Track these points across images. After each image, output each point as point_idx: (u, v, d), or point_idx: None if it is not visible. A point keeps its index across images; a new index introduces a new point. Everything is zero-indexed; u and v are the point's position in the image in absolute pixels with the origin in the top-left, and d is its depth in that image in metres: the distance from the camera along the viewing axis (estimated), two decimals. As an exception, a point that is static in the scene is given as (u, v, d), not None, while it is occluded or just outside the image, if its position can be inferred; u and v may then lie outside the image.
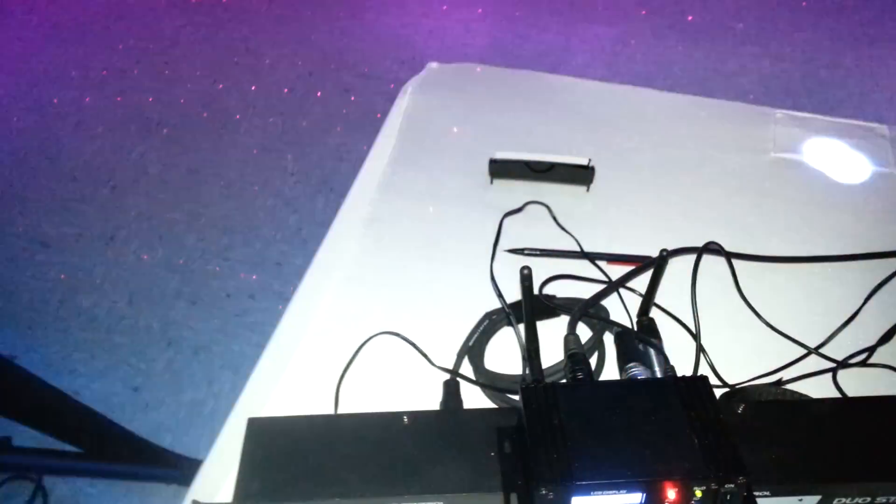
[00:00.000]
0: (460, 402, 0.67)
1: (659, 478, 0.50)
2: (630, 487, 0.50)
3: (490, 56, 2.45)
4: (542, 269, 0.79)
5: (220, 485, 0.62)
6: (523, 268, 0.61)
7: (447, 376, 0.70)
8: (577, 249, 0.83)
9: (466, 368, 0.71)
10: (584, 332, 0.71)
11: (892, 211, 0.90)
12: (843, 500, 0.57)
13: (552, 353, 0.68)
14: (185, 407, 1.55)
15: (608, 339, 0.73)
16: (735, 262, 0.80)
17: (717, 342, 0.72)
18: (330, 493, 0.55)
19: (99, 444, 1.38)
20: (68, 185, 2.04)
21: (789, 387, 0.69)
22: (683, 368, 0.67)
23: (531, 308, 0.64)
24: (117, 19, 2.64)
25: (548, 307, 0.75)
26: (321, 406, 0.68)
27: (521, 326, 0.67)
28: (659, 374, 0.64)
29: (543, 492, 0.50)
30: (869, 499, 0.57)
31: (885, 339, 0.73)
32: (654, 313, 0.74)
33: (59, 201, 2.00)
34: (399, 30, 2.57)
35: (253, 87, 2.35)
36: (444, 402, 0.66)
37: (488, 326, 0.74)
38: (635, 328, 0.72)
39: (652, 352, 0.67)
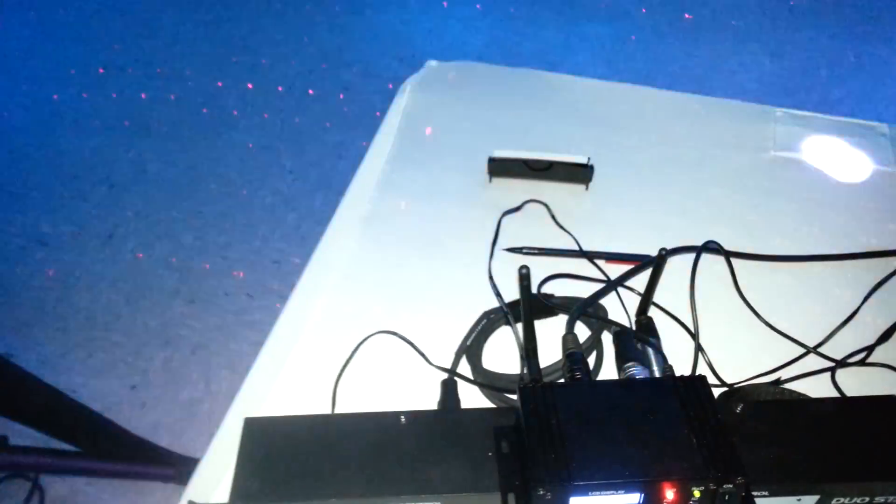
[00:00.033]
0: (458, 401, 0.66)
1: (657, 478, 0.50)
2: (628, 488, 0.50)
3: (489, 54, 2.45)
4: (540, 267, 0.78)
5: (217, 485, 0.62)
6: (521, 267, 0.61)
7: (445, 376, 0.69)
8: (576, 248, 0.82)
9: (464, 368, 0.71)
10: (582, 332, 0.71)
11: (892, 210, 0.89)
12: (842, 499, 0.57)
13: (550, 352, 0.68)
14: (182, 406, 1.55)
15: (606, 338, 0.72)
16: (734, 261, 0.80)
17: (715, 341, 0.71)
18: (327, 493, 0.54)
19: (96, 442, 1.37)
20: (66, 183, 2.04)
21: (788, 386, 0.68)
22: (682, 368, 0.66)
23: (529, 307, 0.64)
24: (115, 17, 2.64)
25: (546, 306, 0.75)
26: (318, 405, 0.68)
27: (520, 326, 0.66)
28: (657, 374, 0.64)
29: (541, 492, 0.49)
30: (867, 498, 0.57)
31: (883, 338, 0.73)
32: (653, 312, 0.73)
33: (56, 199, 1.99)
34: (398, 27, 2.57)
35: (251, 85, 2.35)
36: (442, 402, 0.66)
37: (486, 325, 0.74)
38: (634, 327, 0.72)
39: (650, 351, 0.67)
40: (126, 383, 1.59)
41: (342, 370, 0.71)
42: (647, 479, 0.50)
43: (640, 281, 0.74)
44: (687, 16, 2.57)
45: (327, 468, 0.56)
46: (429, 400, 0.67)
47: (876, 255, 0.82)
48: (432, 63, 1.12)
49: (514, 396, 0.65)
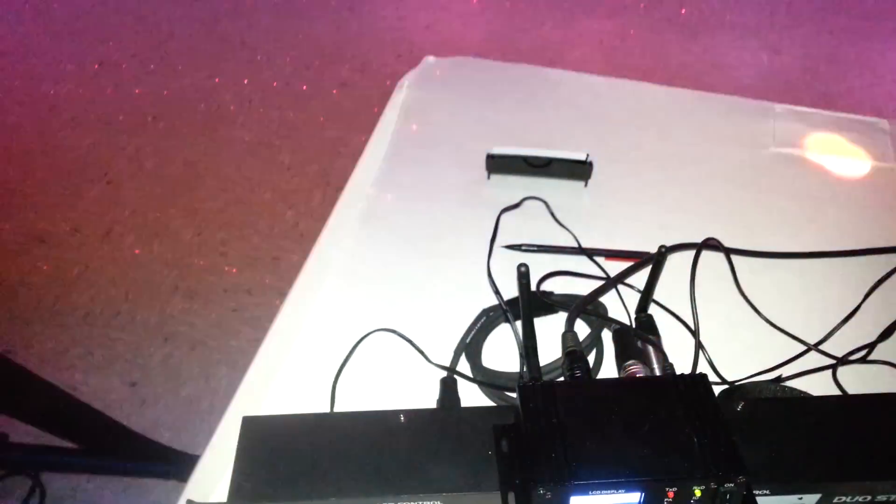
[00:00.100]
0: (457, 399, 0.66)
1: (657, 477, 0.50)
2: (628, 487, 0.50)
3: (487, 50, 2.44)
4: (539, 265, 0.78)
5: (216, 484, 0.61)
6: (520, 265, 0.61)
7: (444, 374, 0.69)
8: (575, 245, 0.82)
9: (464, 366, 0.71)
10: (582, 329, 0.71)
11: (893, 206, 0.89)
12: (844, 498, 0.56)
13: (550, 350, 0.67)
14: (182, 402, 1.55)
15: (606, 336, 0.72)
16: (734, 257, 0.79)
17: (716, 339, 0.71)
18: (326, 492, 0.54)
19: (96, 440, 1.37)
20: (64, 180, 2.03)
21: (789, 384, 0.68)
22: (682, 365, 0.66)
23: (528, 305, 0.64)
24: (112, 12, 2.63)
25: (545, 304, 0.75)
26: (317, 404, 0.68)
27: (519, 323, 0.66)
28: (657, 372, 0.64)
29: (541, 491, 0.49)
30: (869, 497, 0.56)
31: (885, 335, 0.73)
32: (653, 310, 0.73)
33: (54, 196, 1.99)
34: (396, 23, 2.56)
35: (249, 81, 2.34)
36: (441, 400, 0.66)
37: (486, 323, 0.74)
38: (634, 325, 0.72)
39: (650, 349, 0.66)
40: (125, 380, 1.59)
41: (341, 368, 0.71)
42: (647, 478, 0.50)
43: (640, 278, 0.74)
44: (685, 11, 2.57)
45: (326, 467, 0.55)
46: (428, 398, 0.67)
47: (877, 251, 0.82)
48: (430, 59, 1.11)
49: (514, 395, 0.64)
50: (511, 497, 0.53)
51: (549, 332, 0.69)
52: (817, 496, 0.56)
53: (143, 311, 1.72)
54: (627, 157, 0.96)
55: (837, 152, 0.96)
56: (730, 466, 0.50)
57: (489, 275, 0.78)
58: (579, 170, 0.90)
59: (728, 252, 0.79)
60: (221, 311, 1.71)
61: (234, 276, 1.79)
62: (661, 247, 0.66)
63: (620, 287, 0.77)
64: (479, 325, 0.73)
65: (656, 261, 0.67)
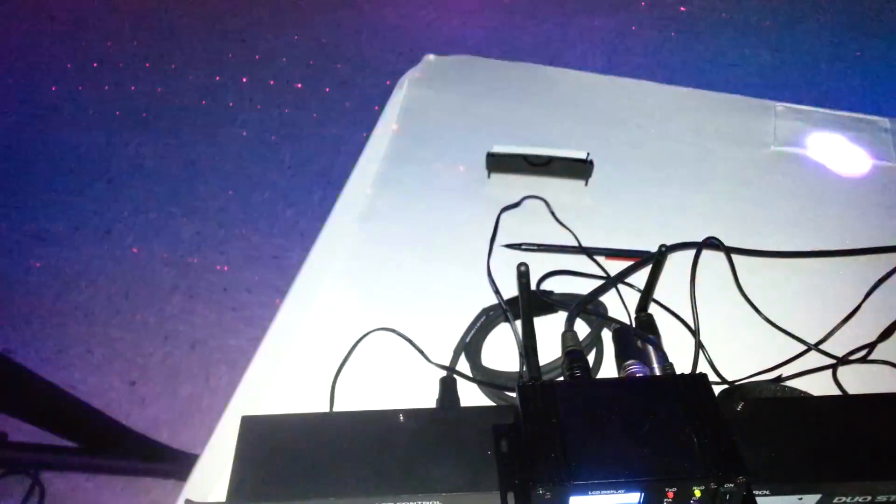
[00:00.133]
0: (457, 399, 0.66)
1: (657, 477, 0.50)
2: (628, 487, 0.50)
3: (488, 48, 2.44)
4: (539, 264, 0.78)
5: (215, 484, 0.61)
6: (520, 264, 0.61)
7: (444, 373, 0.69)
8: (576, 245, 0.82)
9: (463, 365, 0.71)
10: (582, 329, 0.70)
11: (894, 205, 0.89)
12: (844, 498, 0.56)
13: (550, 349, 0.67)
14: (181, 401, 1.54)
15: (606, 335, 0.72)
16: (734, 257, 0.79)
17: (716, 338, 0.71)
18: (325, 492, 0.54)
19: (95, 439, 1.37)
20: (64, 178, 2.03)
21: (789, 384, 0.68)
22: (682, 365, 0.66)
23: (528, 304, 0.64)
24: (112, 11, 2.62)
25: (545, 303, 0.75)
26: (316, 403, 0.68)
27: (519, 323, 0.66)
28: (657, 372, 0.64)
29: (540, 491, 0.49)
30: (869, 497, 0.56)
31: (885, 335, 0.73)
32: (653, 309, 0.73)
33: (54, 194, 1.99)
34: (396, 21, 2.56)
35: (249, 80, 2.34)
36: (441, 400, 0.66)
37: (485, 323, 0.73)
38: (634, 324, 0.71)
39: (650, 348, 0.66)
40: (125, 379, 1.59)
41: (340, 367, 0.71)
42: (647, 479, 0.49)
43: (640, 277, 0.74)
44: (686, 9, 2.56)
45: (325, 467, 0.55)
46: (427, 397, 0.67)
47: (878, 251, 0.82)
48: (430, 57, 1.11)
49: (514, 394, 0.64)
50: (510, 497, 0.53)
51: (549, 331, 0.69)
52: (817, 496, 0.56)
53: (143, 309, 1.72)
54: (628, 155, 0.95)
55: (838, 151, 0.96)
56: (730, 466, 0.50)
57: (489, 274, 0.78)
58: (580, 168, 0.89)
59: (728, 251, 0.79)
60: (221, 310, 1.71)
61: (234, 275, 1.79)
62: (662, 246, 0.66)
63: (620, 286, 0.77)
64: (478, 324, 0.73)
65: (656, 260, 0.67)
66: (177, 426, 1.50)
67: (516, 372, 0.68)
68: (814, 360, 0.71)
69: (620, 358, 0.65)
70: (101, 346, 1.64)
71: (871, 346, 0.72)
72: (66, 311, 1.71)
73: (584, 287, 0.76)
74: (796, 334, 0.73)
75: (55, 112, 2.24)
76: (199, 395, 1.55)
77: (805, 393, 0.66)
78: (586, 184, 0.91)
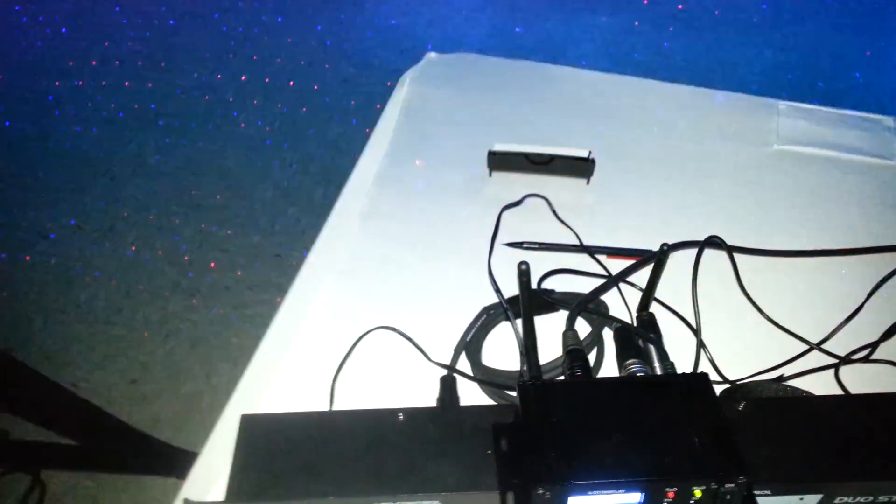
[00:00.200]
0: (457, 398, 0.66)
1: (657, 477, 0.49)
2: (628, 487, 0.49)
3: (490, 46, 2.44)
4: (541, 263, 0.78)
5: (214, 482, 0.61)
6: (521, 263, 0.60)
7: (444, 372, 0.69)
8: (577, 243, 0.82)
9: (464, 364, 0.71)
10: (583, 328, 0.70)
11: (897, 204, 0.88)
12: (845, 498, 0.56)
13: (551, 348, 0.67)
14: (183, 400, 1.54)
15: (607, 334, 0.72)
16: (737, 256, 0.79)
17: (717, 338, 0.71)
18: (324, 491, 0.54)
19: (96, 437, 1.37)
20: (66, 176, 2.03)
21: (791, 383, 0.68)
22: (684, 364, 0.66)
23: (529, 303, 0.63)
24: (114, 8, 2.62)
25: (546, 302, 0.74)
26: (316, 402, 0.67)
27: (520, 322, 0.66)
28: (659, 371, 0.63)
29: (540, 491, 0.49)
30: (871, 497, 0.56)
31: (888, 334, 0.72)
32: (655, 308, 0.73)
33: (56, 192, 1.99)
34: (398, 19, 2.55)
35: (251, 78, 2.34)
36: (441, 398, 0.66)
37: (486, 321, 0.73)
38: (635, 323, 0.71)
39: (652, 348, 0.66)
40: (126, 377, 1.59)
41: (340, 366, 0.71)
42: (647, 479, 0.49)
43: (642, 276, 0.74)
44: (689, 7, 2.56)
45: (324, 466, 0.55)
46: (428, 396, 0.66)
47: (880, 250, 0.81)
48: (431, 55, 1.11)
49: (514, 393, 0.64)
50: (510, 497, 0.53)
51: (550, 330, 0.68)
52: (819, 497, 0.55)
53: (145, 307, 1.72)
54: (630, 154, 0.95)
55: (841, 149, 0.95)
56: (730, 466, 0.50)
57: (490, 273, 0.78)
58: (581, 167, 0.89)
59: (730, 250, 0.78)
60: (223, 309, 1.71)
61: (236, 274, 1.79)
62: (663, 245, 0.66)
63: (622, 285, 0.77)
64: (479, 323, 0.73)
65: (658, 259, 0.67)
66: (178, 424, 1.50)
67: (517, 371, 0.67)
68: (816, 359, 0.71)
69: (621, 357, 0.65)
70: (102, 344, 1.64)
71: (873, 346, 0.71)
72: (68, 309, 1.71)
73: (585, 286, 0.75)
74: (798, 333, 0.73)
75: (57, 109, 2.24)
76: (201, 393, 1.55)
77: (807, 393, 0.65)
78: (588, 182, 0.90)
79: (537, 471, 0.49)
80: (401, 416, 0.58)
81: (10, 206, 1.95)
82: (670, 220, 0.86)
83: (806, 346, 0.72)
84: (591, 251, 0.81)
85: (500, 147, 0.90)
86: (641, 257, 0.78)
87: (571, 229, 0.83)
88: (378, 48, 2.43)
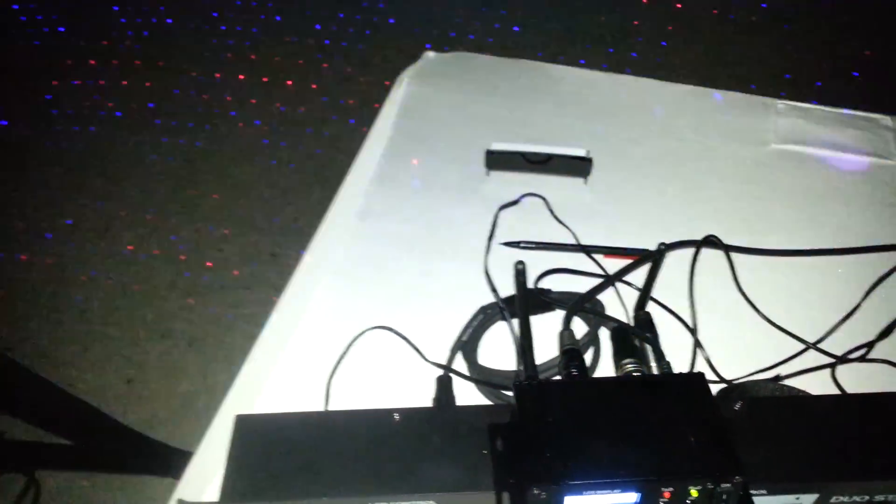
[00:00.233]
0: (453, 398, 0.65)
1: (653, 477, 0.49)
2: (624, 487, 0.49)
3: (489, 44, 2.43)
4: (538, 262, 0.78)
5: (208, 483, 0.61)
6: (517, 262, 0.60)
7: (440, 372, 0.69)
8: (574, 243, 0.82)
9: (460, 364, 0.70)
10: (579, 328, 0.70)
11: (894, 203, 0.88)
12: (842, 498, 0.56)
13: (547, 348, 0.67)
14: (179, 399, 1.54)
15: (604, 334, 0.72)
16: (734, 255, 0.79)
17: (714, 337, 0.71)
18: (319, 491, 0.54)
19: (92, 437, 1.37)
20: (62, 175, 2.03)
21: (787, 383, 0.68)
22: (680, 364, 0.66)
23: (526, 303, 0.63)
24: (112, 7, 2.62)
25: (543, 301, 0.74)
26: (312, 402, 0.67)
27: (516, 321, 0.65)
28: (655, 371, 0.63)
29: (536, 491, 0.49)
30: (867, 497, 0.56)
31: (884, 333, 0.72)
32: (651, 308, 0.72)
33: (52, 191, 1.98)
34: (396, 18, 2.55)
35: (249, 77, 2.34)
36: (437, 398, 0.65)
37: (483, 321, 0.73)
38: (632, 323, 0.71)
39: (648, 348, 0.66)
40: (122, 377, 1.58)
41: (336, 366, 0.70)
42: (643, 479, 0.49)
43: (639, 276, 0.73)
44: (688, 6, 2.56)
45: (320, 466, 0.55)
46: (424, 396, 0.66)
47: (877, 249, 0.81)
48: (429, 54, 1.10)
49: (510, 393, 0.64)
50: (506, 497, 0.53)
51: (547, 330, 0.68)
52: (815, 496, 0.55)
53: (141, 307, 1.71)
54: (628, 153, 0.95)
55: (839, 149, 0.95)
56: (727, 466, 0.49)
57: (486, 272, 0.77)
58: (579, 166, 0.89)
59: (728, 249, 0.78)
60: (219, 308, 1.71)
61: (233, 273, 1.78)
62: (661, 244, 0.66)
63: (619, 285, 0.76)
64: (475, 322, 0.73)
65: (655, 258, 0.67)
66: (174, 424, 1.49)
67: (513, 371, 0.67)
68: (812, 358, 0.71)
69: (618, 357, 0.65)
70: (98, 344, 1.64)
71: (870, 345, 0.71)
72: (64, 309, 1.71)
73: (582, 285, 0.75)
74: (795, 333, 0.73)
75: (54, 108, 2.24)
76: (197, 392, 1.55)
77: (803, 392, 0.65)
78: (585, 182, 0.90)
79: (533, 471, 0.49)
80: (397, 416, 0.58)
81: (6, 205, 1.94)
82: (667, 219, 0.86)
83: (803, 346, 0.71)
84: (588, 251, 0.81)
85: (497, 146, 0.90)
86: (638, 257, 0.78)
87: (569, 228, 0.83)
88: (376, 47, 2.42)
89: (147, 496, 1.40)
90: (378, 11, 2.58)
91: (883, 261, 0.79)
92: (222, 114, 2.21)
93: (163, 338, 1.65)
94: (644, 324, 0.69)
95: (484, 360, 0.70)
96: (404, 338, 0.72)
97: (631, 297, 0.74)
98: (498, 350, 0.72)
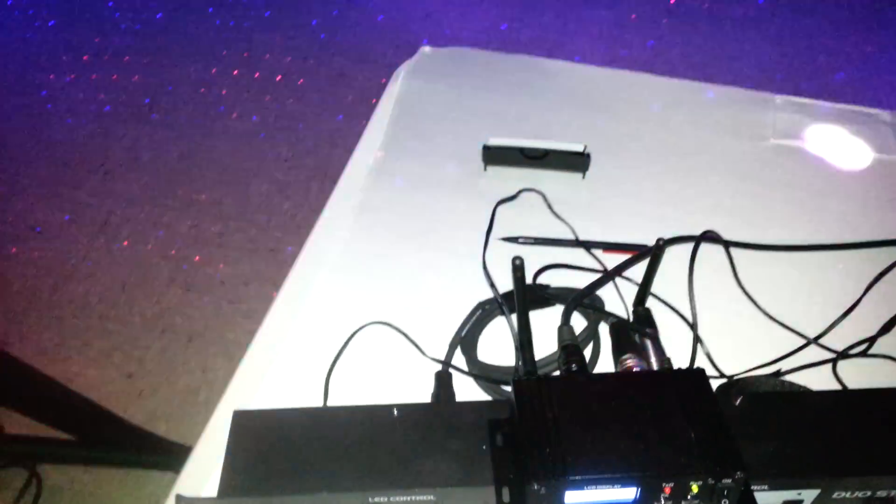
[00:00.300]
0: (452, 393, 0.65)
1: (654, 472, 0.49)
2: (624, 482, 0.49)
3: (486, 40, 2.43)
4: (536, 257, 0.77)
5: (207, 478, 0.61)
6: (515, 258, 0.60)
7: (439, 367, 0.68)
8: (572, 238, 0.81)
9: (459, 359, 0.70)
10: (578, 323, 0.70)
11: (894, 198, 0.88)
12: (843, 493, 0.56)
13: (546, 344, 0.67)
14: (178, 394, 1.54)
15: (603, 329, 0.71)
16: (733, 250, 0.79)
17: (714, 332, 0.70)
18: (317, 486, 0.53)
19: (93, 431, 1.37)
20: (60, 171, 2.02)
21: (788, 378, 0.67)
22: (680, 359, 0.66)
23: (524, 298, 0.63)
24: (107, 3, 2.61)
25: (542, 297, 0.74)
26: (310, 398, 0.67)
27: (515, 317, 0.65)
28: (655, 366, 0.63)
29: (535, 487, 0.49)
30: (869, 492, 0.56)
31: (885, 329, 0.72)
32: (651, 303, 0.72)
33: (51, 187, 1.98)
34: (394, 13, 2.54)
35: (246, 72, 2.33)
36: (436, 394, 0.65)
37: (481, 317, 0.73)
38: (631, 318, 0.71)
39: (648, 343, 0.66)
40: (122, 372, 1.58)
41: (334, 361, 0.70)
42: (643, 474, 0.49)
43: (638, 271, 0.73)
44: (686, 1, 2.55)
45: (318, 461, 0.55)
46: (423, 392, 0.66)
47: (878, 244, 0.81)
48: (426, 49, 1.10)
49: (509, 389, 0.64)
50: (505, 492, 0.53)
51: (546, 325, 0.68)
52: (816, 491, 0.55)
53: (140, 302, 1.71)
54: (626, 148, 0.95)
55: (838, 144, 0.95)
56: (727, 462, 0.49)
57: (485, 267, 0.77)
58: (577, 161, 0.89)
59: (727, 244, 0.78)
60: (218, 303, 1.71)
61: (231, 268, 1.78)
62: (660, 239, 0.66)
63: (618, 280, 0.76)
64: (474, 318, 0.73)
65: (654, 253, 0.67)
66: (174, 419, 1.49)
67: (512, 366, 0.67)
68: (813, 354, 0.70)
69: (617, 352, 0.65)
70: (98, 339, 1.64)
71: (871, 341, 0.71)
72: (63, 304, 1.71)
73: (581, 281, 0.75)
74: (796, 328, 0.72)
75: (52, 104, 2.23)
76: (197, 387, 1.55)
77: (804, 387, 0.65)
78: (583, 177, 0.90)
79: (533, 466, 0.49)
80: (396, 412, 0.58)
81: (3, 201, 1.94)
82: (666, 214, 0.86)
83: (803, 341, 0.71)
84: (587, 246, 0.80)
85: (494, 141, 0.89)
86: (637, 252, 0.78)
87: (567, 224, 0.83)
88: (372, 42, 2.42)
89: (148, 491, 1.40)
90: (374, 7, 2.57)
91: (884, 256, 0.79)
92: (220, 108, 2.21)
93: (162, 333, 1.65)
94: (643, 319, 0.69)
95: (483, 355, 0.70)
96: (403, 333, 0.72)
97: (630, 292, 0.74)
98: (497, 346, 0.72)
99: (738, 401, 0.58)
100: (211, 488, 0.59)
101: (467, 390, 0.68)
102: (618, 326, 0.68)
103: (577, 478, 0.49)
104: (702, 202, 0.87)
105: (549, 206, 0.85)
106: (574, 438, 0.51)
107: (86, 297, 1.72)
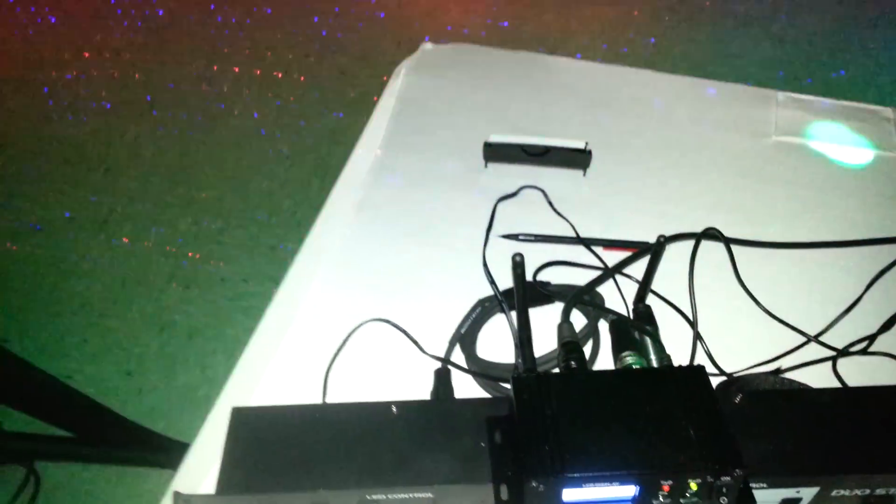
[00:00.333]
0: (452, 390, 0.65)
1: (653, 470, 0.49)
2: (623, 480, 0.49)
3: (488, 37, 2.42)
4: (536, 254, 0.77)
5: (205, 475, 0.61)
6: (515, 255, 0.60)
7: (438, 364, 0.68)
8: (573, 235, 0.81)
9: (458, 357, 0.70)
10: (578, 320, 0.70)
11: None
12: (843, 491, 0.56)
13: (546, 341, 0.66)
14: (178, 391, 1.54)
15: (603, 326, 0.71)
16: (734, 248, 0.78)
17: (714, 330, 0.70)
18: (315, 483, 0.53)
19: (92, 428, 1.37)
20: (61, 168, 2.02)
21: (788, 375, 0.67)
22: (680, 357, 0.65)
23: (524, 295, 0.63)
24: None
25: (542, 294, 0.74)
26: (309, 395, 0.67)
27: (514, 314, 0.65)
28: (655, 364, 0.63)
29: (534, 484, 0.48)
30: (868, 490, 0.56)
31: (886, 326, 0.72)
32: (651, 300, 0.72)
33: (50, 184, 1.97)
34: (396, 11, 2.54)
35: (248, 69, 2.32)
36: (435, 391, 0.65)
37: (481, 314, 0.73)
38: (631, 316, 0.71)
39: (648, 340, 0.65)
40: (122, 369, 1.58)
41: (334, 358, 0.70)
42: (642, 472, 0.49)
43: (638, 268, 0.73)
44: (688, -1, 2.54)
45: (316, 458, 0.55)
46: (422, 389, 0.66)
47: (879, 242, 0.81)
48: (427, 46, 1.10)
49: (509, 386, 0.63)
50: (504, 489, 0.52)
51: (545, 322, 0.68)
52: (816, 489, 0.55)
53: (140, 299, 1.71)
54: (627, 145, 0.94)
55: (840, 141, 0.95)
56: (727, 459, 0.49)
57: (485, 264, 0.77)
58: (578, 158, 0.88)
59: (728, 242, 0.78)
60: (218, 300, 1.70)
61: (231, 266, 1.78)
62: (660, 236, 0.65)
63: (618, 277, 0.76)
64: (474, 315, 0.72)
65: (655, 251, 0.66)
66: (173, 416, 1.49)
67: (512, 363, 0.67)
68: (813, 351, 0.70)
69: (617, 349, 0.65)
70: (97, 336, 1.64)
71: (871, 338, 0.71)
72: (63, 301, 1.70)
73: (581, 278, 0.75)
74: (796, 326, 0.72)
75: (53, 101, 2.23)
76: (196, 385, 1.55)
77: (804, 385, 0.65)
78: (584, 173, 0.90)
79: (531, 463, 0.49)
80: (394, 409, 0.58)
81: (3, 198, 1.94)
82: (667, 211, 0.85)
83: (803, 339, 0.71)
84: (588, 243, 0.80)
85: (495, 138, 0.89)
86: (638, 249, 0.78)
87: (567, 221, 0.83)
88: (374, 39, 2.41)
89: (147, 488, 1.40)
90: (375, 4, 2.57)
91: (884, 253, 0.79)
92: (221, 106, 2.20)
93: (162, 330, 1.65)
94: (644, 316, 0.69)
95: (482, 352, 0.70)
96: (402, 330, 0.72)
97: (630, 289, 0.73)
98: (496, 343, 0.72)
99: (738, 398, 0.58)
100: (209, 485, 0.59)
101: (467, 388, 0.68)
102: (618, 324, 0.68)
103: (575, 475, 0.49)
104: (703, 199, 0.87)
105: (550, 203, 0.85)
106: (573, 436, 0.51)
107: (85, 294, 1.72)
